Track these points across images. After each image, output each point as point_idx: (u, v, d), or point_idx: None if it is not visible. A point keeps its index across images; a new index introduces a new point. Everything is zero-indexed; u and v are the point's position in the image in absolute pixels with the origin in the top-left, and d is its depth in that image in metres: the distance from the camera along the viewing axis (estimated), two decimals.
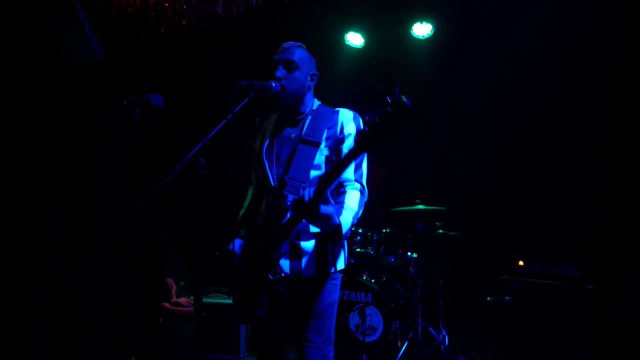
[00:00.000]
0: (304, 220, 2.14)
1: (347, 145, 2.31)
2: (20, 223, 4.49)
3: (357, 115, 2.40)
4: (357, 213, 2.25)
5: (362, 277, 4.48)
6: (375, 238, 4.63)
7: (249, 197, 2.58)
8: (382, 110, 1.79)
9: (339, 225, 2.14)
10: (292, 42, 2.41)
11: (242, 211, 2.56)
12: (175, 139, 4.98)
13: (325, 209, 2.05)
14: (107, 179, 4.80)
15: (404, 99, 1.76)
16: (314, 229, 2.28)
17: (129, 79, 4.99)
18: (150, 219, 4.94)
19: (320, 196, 1.98)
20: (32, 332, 4.42)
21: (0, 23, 4.44)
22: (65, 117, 4.73)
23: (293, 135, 2.39)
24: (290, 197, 2.22)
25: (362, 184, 2.32)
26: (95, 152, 4.90)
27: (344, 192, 2.29)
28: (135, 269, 4.85)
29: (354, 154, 1.89)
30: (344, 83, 5.26)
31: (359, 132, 1.85)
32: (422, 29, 5.16)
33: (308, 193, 1.98)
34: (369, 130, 1.82)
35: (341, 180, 2.30)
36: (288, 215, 2.19)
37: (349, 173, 2.30)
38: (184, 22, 4.80)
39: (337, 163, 1.97)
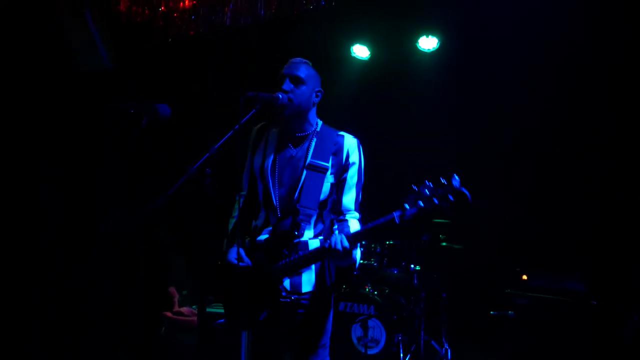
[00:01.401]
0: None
1: (350, 174, 2.41)
2: (20, 223, 4.50)
3: (359, 143, 2.48)
4: (359, 244, 2.38)
5: (365, 289, 4.47)
6: (378, 250, 4.63)
7: (239, 206, 2.58)
8: (444, 194, 1.91)
9: (355, 262, 2.28)
10: (299, 58, 2.45)
11: (234, 220, 2.56)
12: (178, 145, 5.01)
13: (355, 252, 2.17)
14: (108, 180, 4.82)
15: (465, 191, 1.90)
16: (312, 246, 2.35)
17: (135, 86, 5.03)
18: (153, 224, 4.94)
19: (354, 246, 2.13)
20: (32, 332, 4.42)
21: (8, 28, 4.48)
22: (68, 119, 4.76)
23: (296, 155, 2.42)
24: (303, 226, 2.31)
25: (359, 212, 2.45)
26: (97, 153, 4.92)
27: (346, 221, 2.40)
28: (135, 269, 4.85)
29: (402, 224, 2.07)
30: (349, 95, 5.29)
31: (413, 205, 2.01)
32: (428, 43, 5.19)
33: (342, 241, 2.11)
34: (424, 206, 1.99)
35: (342, 208, 2.41)
36: (307, 248, 2.31)
37: (350, 203, 2.42)
38: (191, 32, 4.84)
39: (379, 224, 2.11)
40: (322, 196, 2.36)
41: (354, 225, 2.37)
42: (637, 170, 4.36)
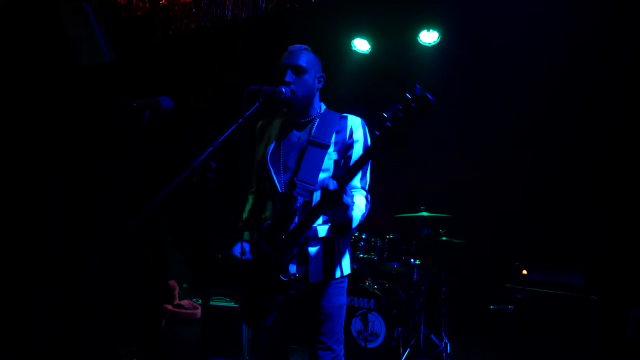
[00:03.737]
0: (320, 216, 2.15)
1: (356, 151, 2.33)
2: (22, 222, 4.49)
3: (364, 122, 2.41)
4: (363, 214, 2.25)
5: (365, 283, 4.48)
6: (378, 244, 4.64)
7: (250, 202, 2.58)
8: (405, 105, 1.82)
9: (351, 219, 2.13)
10: (298, 45, 2.41)
11: (245, 215, 2.55)
12: (182, 140, 5.00)
13: (346, 198, 2.02)
14: (111, 178, 4.81)
15: (427, 95, 1.81)
16: (321, 234, 2.29)
17: (138, 80, 5.01)
18: (154, 220, 4.94)
19: (343, 187, 1.98)
20: (32, 332, 4.42)
21: (8, 24, 4.46)
22: (71, 117, 4.74)
23: (301, 139, 2.38)
24: (300, 200, 2.22)
25: (367, 192, 2.34)
26: (100, 151, 4.91)
27: (352, 196, 2.26)
28: (137, 268, 4.85)
29: (373, 150, 1.94)
30: (350, 88, 5.28)
31: (381, 129, 1.88)
32: (428, 37, 5.18)
33: (332, 183, 1.99)
34: (392, 126, 1.85)
35: (348, 187, 2.25)
36: (297, 218, 2.21)
37: (356, 181, 2.32)
38: (192, 25, 4.82)
39: (359, 159, 1.98)
40: (324, 172, 2.29)
41: (360, 198, 2.26)
42: (638, 166, 4.37)
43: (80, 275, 4.60)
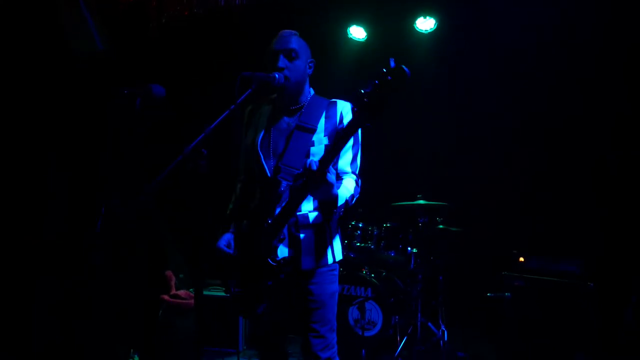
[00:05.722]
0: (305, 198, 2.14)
1: None
2: (22, 222, 4.47)
3: (354, 107, 2.37)
4: (352, 195, 2.26)
5: (362, 271, 4.48)
6: (375, 232, 4.62)
7: (237, 191, 2.55)
8: (382, 79, 1.84)
9: (336, 197, 2.14)
10: (288, 31, 2.39)
11: (231, 205, 2.53)
12: (176, 129, 4.96)
13: (330, 176, 2.00)
14: (110, 172, 4.78)
15: (403, 67, 1.81)
16: (312, 220, 2.28)
17: (131, 69, 4.96)
18: (150, 211, 4.91)
19: (326, 166, 1.97)
20: (32, 332, 4.41)
21: (5, 22, 4.40)
22: (71, 116, 4.69)
23: (291, 125, 2.37)
24: (284, 184, 2.20)
25: (357, 176, 2.35)
26: (100, 151, 4.87)
27: (342, 179, 2.30)
28: (137, 268, 4.83)
29: (355, 124, 1.93)
30: (345, 76, 5.24)
31: (359, 104, 1.89)
32: (425, 24, 5.14)
33: (314, 162, 2.00)
34: (369, 99, 1.87)
35: (338, 171, 2.30)
36: (282, 201, 2.20)
37: (346, 165, 2.32)
38: (186, 12, 4.77)
39: (339, 135, 1.98)
40: (313, 158, 2.22)
41: (350, 180, 2.29)
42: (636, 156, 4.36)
43: (80, 275, 4.58)
